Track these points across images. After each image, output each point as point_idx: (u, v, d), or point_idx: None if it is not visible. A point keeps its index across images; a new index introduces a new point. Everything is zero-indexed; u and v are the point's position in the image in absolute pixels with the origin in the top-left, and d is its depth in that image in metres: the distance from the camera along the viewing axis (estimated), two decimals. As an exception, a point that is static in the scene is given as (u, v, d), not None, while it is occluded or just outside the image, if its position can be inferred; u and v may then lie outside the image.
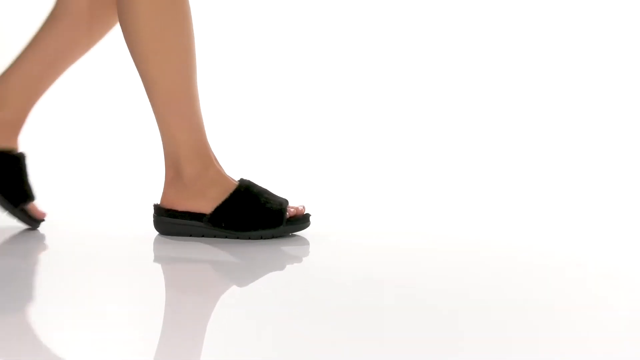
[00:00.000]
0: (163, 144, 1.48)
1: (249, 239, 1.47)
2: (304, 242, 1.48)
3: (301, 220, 1.50)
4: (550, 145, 2.60)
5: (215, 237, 1.48)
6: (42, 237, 1.52)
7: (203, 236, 1.48)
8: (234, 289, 1.27)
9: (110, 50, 2.91)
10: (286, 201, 1.49)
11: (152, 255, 1.44)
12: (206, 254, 1.40)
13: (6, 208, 1.50)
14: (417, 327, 1.04)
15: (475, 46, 2.90)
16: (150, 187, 2.01)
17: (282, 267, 1.36)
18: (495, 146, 2.61)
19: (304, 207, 1.52)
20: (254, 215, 1.46)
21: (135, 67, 1.45)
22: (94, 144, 2.58)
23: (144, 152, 2.43)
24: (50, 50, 1.51)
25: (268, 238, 1.47)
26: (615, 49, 2.82)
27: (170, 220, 1.48)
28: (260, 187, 1.49)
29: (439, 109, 2.82)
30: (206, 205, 1.46)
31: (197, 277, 1.30)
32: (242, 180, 1.49)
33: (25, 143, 2.45)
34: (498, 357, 0.94)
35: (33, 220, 1.53)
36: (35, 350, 0.96)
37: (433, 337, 1.01)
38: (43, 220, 1.55)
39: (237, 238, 1.47)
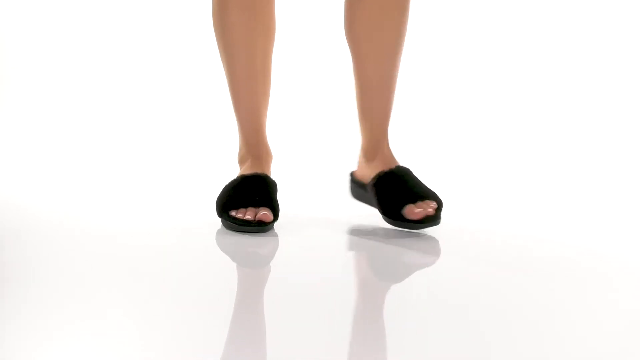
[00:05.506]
0: (373, 119, 1.59)
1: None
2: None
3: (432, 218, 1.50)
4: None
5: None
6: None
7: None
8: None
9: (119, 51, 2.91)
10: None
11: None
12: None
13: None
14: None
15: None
16: (148, 186, 2.04)
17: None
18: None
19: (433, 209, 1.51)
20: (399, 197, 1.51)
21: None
22: (94, 144, 2.59)
23: (146, 151, 2.45)
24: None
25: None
26: (615, 49, 2.80)
27: (358, 189, 1.65)
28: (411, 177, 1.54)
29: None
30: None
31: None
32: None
33: (27, 143, 2.46)
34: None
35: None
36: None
37: None
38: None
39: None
